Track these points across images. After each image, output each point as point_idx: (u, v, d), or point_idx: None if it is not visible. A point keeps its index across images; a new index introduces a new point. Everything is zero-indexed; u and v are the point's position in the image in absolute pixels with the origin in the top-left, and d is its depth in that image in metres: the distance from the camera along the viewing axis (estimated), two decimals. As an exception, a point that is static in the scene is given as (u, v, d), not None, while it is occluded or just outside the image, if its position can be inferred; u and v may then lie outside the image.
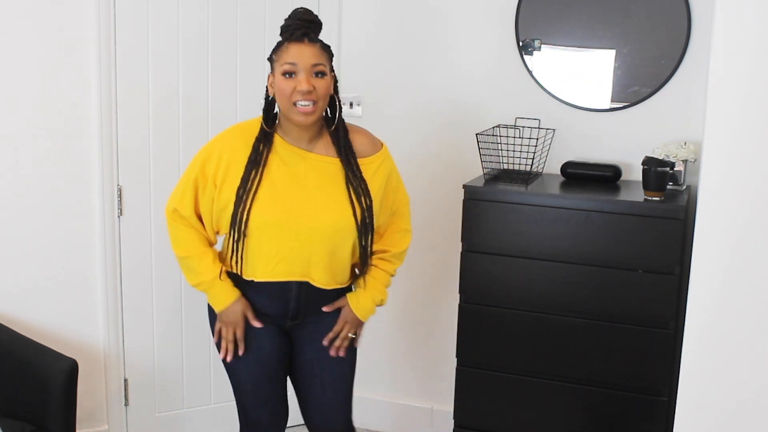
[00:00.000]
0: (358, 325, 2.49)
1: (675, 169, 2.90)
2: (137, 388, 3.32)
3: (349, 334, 2.47)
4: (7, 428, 2.61)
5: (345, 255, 2.41)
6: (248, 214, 2.29)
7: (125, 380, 3.29)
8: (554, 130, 3.17)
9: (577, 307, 2.84)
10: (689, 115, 3.01)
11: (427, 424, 3.51)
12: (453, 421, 3.08)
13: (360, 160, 2.38)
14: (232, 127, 2.45)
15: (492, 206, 2.88)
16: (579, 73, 3.16)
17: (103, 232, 3.15)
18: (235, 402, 2.57)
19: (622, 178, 3.08)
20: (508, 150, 3.12)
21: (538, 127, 3.11)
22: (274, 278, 2.36)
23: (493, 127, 3.14)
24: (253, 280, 2.39)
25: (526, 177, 3.01)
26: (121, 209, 3.17)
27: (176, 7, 3.13)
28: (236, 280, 2.42)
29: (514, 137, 3.10)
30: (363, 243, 2.38)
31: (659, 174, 2.76)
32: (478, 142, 3.06)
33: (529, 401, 2.95)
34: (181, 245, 2.44)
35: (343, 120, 2.40)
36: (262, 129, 2.35)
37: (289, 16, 2.33)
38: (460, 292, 2.99)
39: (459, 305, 3.00)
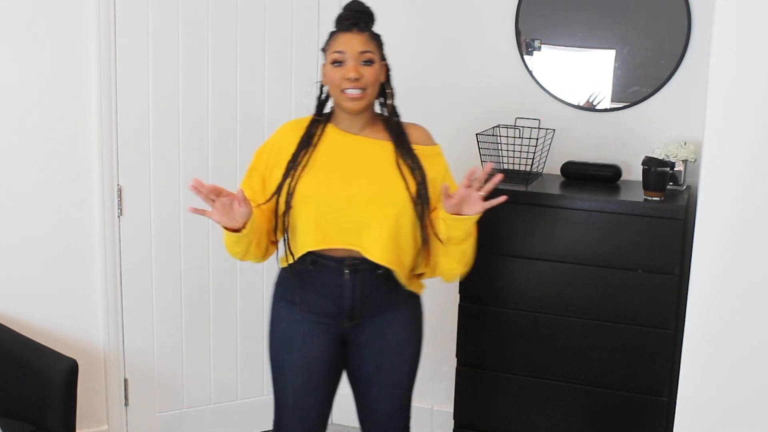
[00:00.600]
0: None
1: (675, 169, 2.90)
2: (137, 388, 3.32)
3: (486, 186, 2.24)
4: (7, 428, 2.61)
5: (405, 233, 2.34)
6: (294, 186, 2.31)
7: (125, 380, 3.29)
8: (554, 130, 3.17)
9: (577, 307, 2.84)
10: (689, 115, 3.01)
11: (427, 424, 3.51)
12: (453, 421, 3.08)
13: (414, 146, 2.39)
14: (287, 122, 2.50)
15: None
16: (579, 73, 3.17)
17: (103, 232, 3.15)
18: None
19: (622, 178, 3.08)
20: (508, 150, 3.12)
21: (538, 127, 3.11)
22: (324, 245, 2.32)
23: (493, 127, 3.14)
24: (305, 267, 2.35)
25: (526, 177, 3.01)
26: (121, 209, 3.17)
27: (176, 7, 3.13)
28: (290, 284, 2.39)
29: (514, 137, 3.10)
30: (420, 216, 2.32)
31: (659, 174, 2.76)
32: (478, 142, 3.06)
33: (529, 401, 2.95)
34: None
35: (396, 107, 2.43)
36: (313, 118, 2.42)
37: (343, 7, 2.39)
38: (460, 292, 2.99)
39: (459, 305, 3.00)
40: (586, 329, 2.84)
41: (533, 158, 3.04)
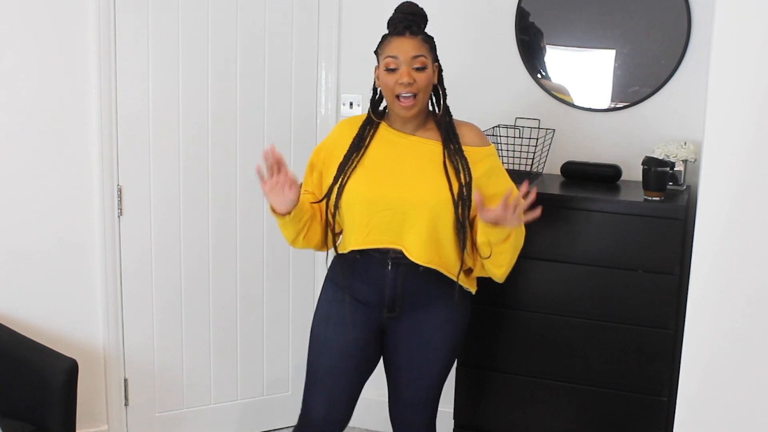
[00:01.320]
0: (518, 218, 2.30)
1: (675, 169, 2.90)
2: (137, 388, 3.32)
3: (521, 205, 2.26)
4: (7, 428, 2.61)
5: (446, 232, 2.38)
6: (342, 189, 2.39)
7: (125, 380, 3.29)
8: (554, 130, 3.17)
9: (578, 307, 2.84)
10: (689, 115, 3.01)
11: (427, 424, 3.51)
12: (453, 421, 3.08)
13: (465, 147, 2.41)
14: (344, 119, 2.57)
15: (492, 206, 2.88)
16: (579, 73, 3.17)
17: (103, 232, 3.15)
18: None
19: (622, 178, 3.08)
20: (508, 150, 3.12)
21: (538, 127, 3.11)
22: (366, 245, 2.39)
23: (493, 127, 3.14)
24: (353, 256, 2.42)
25: (526, 177, 3.01)
26: (121, 209, 3.17)
27: (176, 7, 3.13)
28: (337, 277, 2.48)
29: (514, 137, 3.10)
30: (460, 218, 2.36)
31: (659, 174, 2.76)
32: (478, 142, 3.06)
33: (529, 401, 2.95)
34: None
35: (448, 107, 2.46)
36: (368, 117, 2.46)
37: (395, 9, 2.40)
38: (460, 292, 2.98)
39: (459, 305, 2.99)
40: (587, 329, 2.84)
41: (533, 158, 3.04)
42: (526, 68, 3.20)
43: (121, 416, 3.30)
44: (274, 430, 3.57)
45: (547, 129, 3.15)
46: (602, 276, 2.80)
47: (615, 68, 3.10)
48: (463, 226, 2.37)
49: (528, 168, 3.05)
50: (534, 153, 3.05)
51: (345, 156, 2.41)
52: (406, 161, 2.40)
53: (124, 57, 3.08)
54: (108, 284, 3.18)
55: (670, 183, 2.90)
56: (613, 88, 3.12)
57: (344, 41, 3.39)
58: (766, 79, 2.06)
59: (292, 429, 2.59)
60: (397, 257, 2.40)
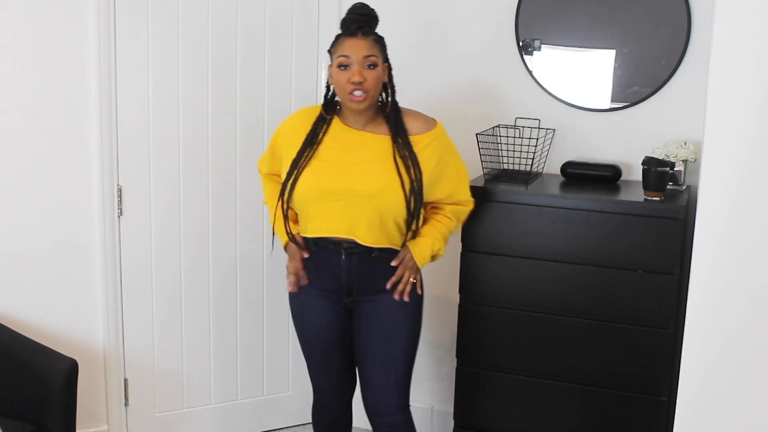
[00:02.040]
0: (417, 270, 2.61)
1: (675, 169, 2.90)
2: (137, 388, 3.32)
3: (411, 279, 2.58)
4: (7, 428, 2.61)
5: (395, 222, 2.55)
6: (294, 184, 2.54)
7: (125, 380, 3.29)
8: (554, 130, 3.17)
9: (577, 307, 2.84)
10: (689, 115, 3.01)
11: (427, 424, 3.51)
12: (453, 421, 3.08)
13: (411, 137, 2.55)
14: (301, 109, 2.73)
15: (492, 206, 2.88)
16: (579, 73, 3.17)
17: (103, 231, 3.15)
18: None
19: (622, 178, 3.08)
20: (508, 150, 3.12)
21: (538, 127, 3.11)
22: (320, 233, 2.56)
23: (493, 127, 3.14)
24: (309, 246, 2.61)
25: (526, 177, 3.01)
26: (121, 209, 3.17)
27: (176, 7, 3.13)
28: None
29: (514, 137, 3.10)
30: (411, 211, 2.52)
31: (659, 174, 2.76)
32: (478, 142, 3.06)
33: (529, 401, 2.95)
34: (264, 194, 2.81)
35: (397, 103, 2.60)
36: (321, 114, 2.60)
37: (347, 10, 2.54)
38: (460, 292, 2.98)
39: (459, 305, 3.00)
40: (586, 329, 2.84)
41: (533, 158, 3.04)
42: (526, 68, 3.20)
43: (121, 416, 3.31)
44: (274, 430, 3.57)
45: (547, 129, 3.15)
46: (602, 276, 2.80)
47: (615, 68, 3.10)
48: (415, 218, 2.55)
49: (528, 168, 3.05)
50: (534, 153, 3.05)
51: (298, 152, 2.55)
52: (358, 154, 2.54)
53: (124, 57, 3.08)
54: (108, 284, 3.18)
55: (670, 183, 2.90)
56: (613, 88, 3.12)
57: (344, 41, 3.39)
58: (766, 79, 2.06)
59: (311, 408, 2.86)
60: (350, 247, 2.55)
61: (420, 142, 2.55)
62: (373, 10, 2.55)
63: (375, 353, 2.63)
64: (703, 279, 2.18)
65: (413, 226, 2.56)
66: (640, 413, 2.83)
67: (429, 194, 2.58)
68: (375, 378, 2.66)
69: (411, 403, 3.13)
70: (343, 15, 3.47)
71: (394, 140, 2.54)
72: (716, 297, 2.17)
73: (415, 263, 2.59)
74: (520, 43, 3.19)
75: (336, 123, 2.59)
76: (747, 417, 2.19)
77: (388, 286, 2.58)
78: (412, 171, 2.51)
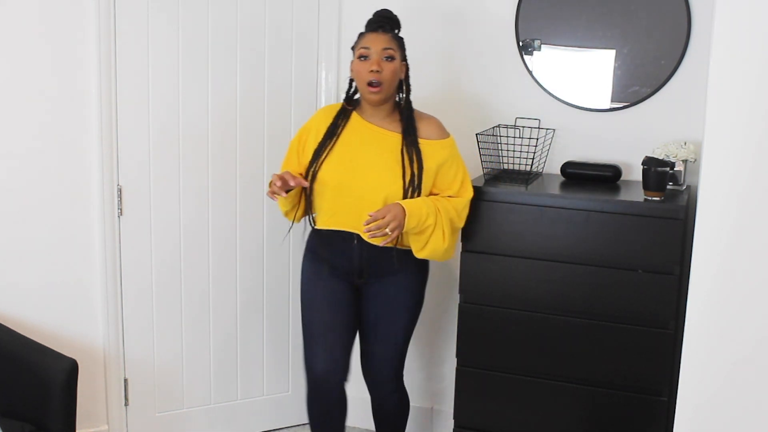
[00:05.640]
0: (399, 224, 2.62)
1: (675, 169, 2.90)
2: (137, 388, 3.32)
3: (387, 230, 2.61)
4: (7, 428, 2.61)
5: None
6: (315, 173, 2.74)
7: (125, 380, 3.29)
8: (554, 130, 3.17)
9: (577, 307, 2.84)
10: (689, 115, 3.01)
11: (427, 424, 3.51)
12: (453, 421, 3.08)
13: (422, 140, 2.74)
14: (325, 106, 3.00)
15: (492, 206, 2.88)
16: (579, 73, 3.17)
17: (103, 232, 3.15)
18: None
19: (622, 178, 3.08)
20: (508, 150, 3.12)
21: (538, 127, 3.11)
22: (332, 227, 2.77)
23: (493, 127, 3.14)
24: (321, 230, 2.80)
25: (526, 177, 3.01)
26: (121, 209, 3.17)
27: (176, 8, 3.13)
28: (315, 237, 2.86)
29: (514, 137, 3.10)
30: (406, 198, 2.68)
31: (659, 174, 2.76)
32: (478, 142, 3.06)
33: (529, 401, 2.95)
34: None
35: (410, 102, 2.78)
36: (343, 106, 2.83)
37: (373, 14, 2.80)
38: (460, 292, 2.99)
39: (459, 305, 3.00)
40: (586, 329, 2.84)
41: (533, 158, 3.04)
42: (526, 68, 3.20)
43: (121, 416, 3.31)
44: (274, 430, 3.57)
45: (547, 129, 3.15)
46: (602, 276, 2.80)
47: (615, 68, 3.10)
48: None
49: (528, 168, 3.05)
50: (534, 153, 3.05)
51: (320, 142, 2.76)
52: (369, 150, 2.73)
53: (124, 57, 3.08)
54: (108, 284, 3.18)
55: (670, 183, 2.90)
56: (613, 88, 3.12)
57: (344, 41, 3.39)
58: (766, 79, 2.06)
59: (306, 396, 2.87)
60: (360, 236, 2.73)
61: (429, 147, 2.74)
62: (396, 15, 2.79)
63: (379, 329, 2.86)
64: (703, 279, 2.18)
65: None
66: (640, 413, 2.83)
67: (425, 188, 2.74)
68: (376, 351, 2.89)
69: (411, 403, 3.14)
70: (342, 14, 3.52)
71: (404, 137, 2.72)
72: (716, 297, 2.17)
73: (402, 212, 2.61)
74: (520, 43, 3.19)
75: (355, 117, 2.79)
76: (747, 417, 2.19)
77: (364, 223, 2.62)
78: (414, 165, 2.69)
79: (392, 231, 2.60)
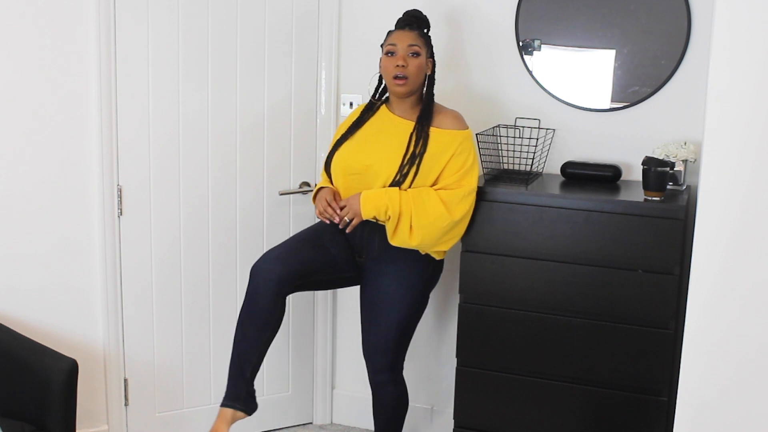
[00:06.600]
0: (355, 213, 2.80)
1: (675, 169, 2.90)
2: (137, 388, 3.32)
3: (345, 218, 2.81)
4: (7, 428, 2.61)
5: None
6: (330, 157, 2.93)
7: (125, 380, 3.30)
8: (554, 130, 3.17)
9: (577, 307, 2.84)
10: (689, 115, 3.02)
11: (427, 424, 3.51)
12: (453, 421, 3.08)
13: (434, 128, 2.82)
14: (363, 103, 3.10)
15: (492, 206, 2.88)
16: (579, 73, 3.17)
17: (103, 232, 3.15)
18: None
19: (622, 178, 3.08)
20: (508, 150, 3.12)
21: (538, 127, 3.11)
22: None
23: (493, 127, 3.14)
24: None
25: (526, 177, 3.01)
26: (121, 209, 3.17)
27: (176, 8, 3.13)
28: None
29: (514, 137, 3.10)
30: (399, 176, 2.77)
31: (659, 174, 2.76)
32: (478, 142, 3.06)
33: (529, 401, 2.95)
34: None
35: (433, 94, 2.89)
36: (371, 101, 2.99)
37: (403, 13, 2.92)
38: (460, 292, 2.99)
39: (459, 305, 3.00)
40: (586, 329, 2.84)
41: (533, 158, 3.04)
42: (526, 68, 3.20)
43: (121, 416, 3.31)
44: (274, 430, 3.57)
45: (547, 129, 3.15)
46: (602, 276, 2.80)
47: (615, 68, 3.10)
48: (397, 184, 2.77)
49: (528, 168, 3.05)
50: (534, 153, 3.05)
51: (345, 132, 2.93)
52: (382, 136, 2.86)
53: (124, 58, 3.08)
54: (108, 284, 3.18)
55: (670, 183, 2.90)
56: (613, 88, 3.12)
57: (344, 41, 3.39)
58: (766, 79, 2.06)
59: None
60: None
61: (443, 136, 2.81)
62: (425, 15, 2.92)
63: (372, 319, 2.92)
64: (703, 279, 2.18)
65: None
66: (640, 413, 2.83)
67: (431, 174, 2.79)
68: (370, 339, 2.95)
69: (411, 403, 3.14)
70: (342, 13, 3.52)
71: (417, 123, 2.83)
72: (716, 297, 2.17)
73: (358, 204, 2.77)
74: (520, 43, 3.19)
75: (382, 110, 2.93)
76: (747, 417, 2.19)
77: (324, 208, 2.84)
78: (419, 147, 2.78)
79: (350, 219, 2.79)
